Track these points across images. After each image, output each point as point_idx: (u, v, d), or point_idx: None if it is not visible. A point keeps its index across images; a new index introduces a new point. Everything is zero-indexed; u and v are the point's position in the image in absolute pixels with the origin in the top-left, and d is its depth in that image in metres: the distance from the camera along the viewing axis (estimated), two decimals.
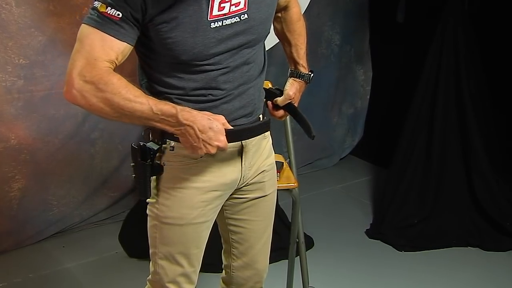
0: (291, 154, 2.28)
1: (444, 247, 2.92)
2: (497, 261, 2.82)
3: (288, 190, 2.14)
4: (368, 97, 4.02)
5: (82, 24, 1.30)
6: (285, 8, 1.68)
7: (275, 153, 2.33)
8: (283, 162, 2.22)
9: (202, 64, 1.36)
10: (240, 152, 1.51)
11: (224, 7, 1.34)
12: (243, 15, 1.38)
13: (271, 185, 1.66)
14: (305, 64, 1.72)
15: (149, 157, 1.41)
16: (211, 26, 1.33)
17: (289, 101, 1.67)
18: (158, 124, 1.31)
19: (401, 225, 3.03)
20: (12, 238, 2.79)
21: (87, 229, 3.02)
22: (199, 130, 1.30)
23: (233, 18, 1.36)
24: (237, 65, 1.41)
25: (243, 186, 1.58)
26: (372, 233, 3.05)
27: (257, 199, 1.62)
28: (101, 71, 1.26)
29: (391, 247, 2.94)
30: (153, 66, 1.40)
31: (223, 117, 1.36)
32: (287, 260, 2.39)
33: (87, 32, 1.28)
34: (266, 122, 1.53)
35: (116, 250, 2.82)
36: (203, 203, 1.49)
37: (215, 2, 1.33)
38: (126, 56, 1.33)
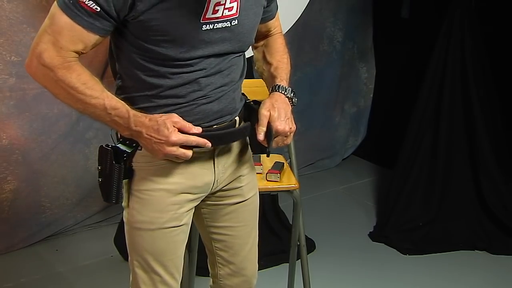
0: (292, 154, 2.24)
1: (450, 251, 2.88)
2: (505, 265, 2.78)
3: (289, 192, 2.11)
4: (372, 95, 3.99)
5: (55, 3, 1.23)
6: (265, 36, 1.61)
7: (276, 154, 2.30)
8: (283, 163, 2.19)
9: (185, 65, 1.32)
10: (212, 154, 1.45)
11: (218, 10, 1.30)
12: (233, 21, 1.34)
13: (251, 188, 1.59)
14: (286, 82, 1.52)
15: (122, 160, 1.37)
16: (202, 29, 1.29)
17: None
18: (110, 124, 1.31)
19: (405, 228, 2.99)
20: (3, 241, 2.76)
21: (81, 232, 2.99)
22: (147, 134, 1.29)
23: (224, 23, 1.32)
24: (220, 69, 1.37)
25: (218, 191, 1.53)
26: (375, 236, 3.01)
27: (236, 204, 1.56)
28: (63, 60, 1.23)
29: (395, 250, 2.90)
30: (133, 61, 1.34)
31: (176, 115, 1.31)
32: (288, 264, 2.36)
33: (59, 15, 1.22)
34: (246, 127, 1.45)
35: (112, 253, 2.78)
36: (175, 206, 1.43)
37: (211, 3, 1.28)
38: (96, 46, 1.29)
